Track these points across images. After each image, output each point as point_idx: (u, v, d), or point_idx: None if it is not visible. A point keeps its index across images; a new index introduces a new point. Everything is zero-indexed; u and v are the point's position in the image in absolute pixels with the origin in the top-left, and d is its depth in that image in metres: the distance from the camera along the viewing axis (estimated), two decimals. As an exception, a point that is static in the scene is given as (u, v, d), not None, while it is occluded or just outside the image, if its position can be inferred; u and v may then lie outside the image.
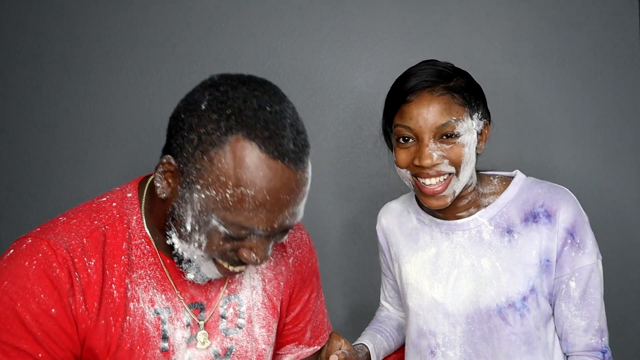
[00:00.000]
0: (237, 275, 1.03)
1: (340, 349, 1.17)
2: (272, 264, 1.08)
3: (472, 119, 1.12)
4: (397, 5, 1.86)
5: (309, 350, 1.17)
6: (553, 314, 1.17)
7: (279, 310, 1.09)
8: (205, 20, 1.91)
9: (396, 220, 1.30)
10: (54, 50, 1.93)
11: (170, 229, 0.91)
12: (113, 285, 0.91)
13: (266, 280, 1.07)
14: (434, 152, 1.10)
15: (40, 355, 0.86)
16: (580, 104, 1.80)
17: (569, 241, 1.12)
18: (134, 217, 0.95)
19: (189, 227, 0.88)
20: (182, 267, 0.94)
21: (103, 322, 0.90)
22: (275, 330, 1.08)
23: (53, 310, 0.86)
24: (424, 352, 1.22)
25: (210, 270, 0.93)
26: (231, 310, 1.03)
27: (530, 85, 1.79)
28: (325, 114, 1.89)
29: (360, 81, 1.88)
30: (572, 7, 1.81)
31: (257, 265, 0.90)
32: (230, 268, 0.92)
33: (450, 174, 1.12)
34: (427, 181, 1.12)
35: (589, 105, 1.80)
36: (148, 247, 0.95)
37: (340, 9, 1.88)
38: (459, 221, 1.19)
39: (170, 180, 0.89)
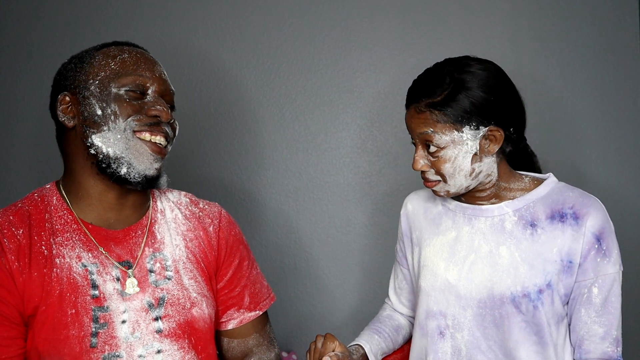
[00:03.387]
0: (158, 234, 1.17)
1: (333, 351, 1.19)
2: (191, 226, 1.22)
3: (460, 131, 1.13)
4: (397, 6, 1.86)
5: (251, 315, 1.26)
6: (569, 319, 1.18)
7: (203, 265, 1.20)
8: (205, 20, 1.91)
9: (422, 206, 1.33)
10: (55, 50, 1.93)
11: (89, 141, 1.09)
12: (43, 247, 1.08)
13: (187, 240, 1.20)
14: (421, 159, 1.18)
15: None
16: (581, 104, 1.81)
17: (596, 246, 1.13)
18: (54, 197, 1.14)
19: (99, 111, 1.09)
20: (112, 170, 1.09)
21: (35, 274, 1.05)
22: (203, 282, 1.19)
23: None
24: (433, 333, 1.22)
25: (139, 155, 1.09)
26: (158, 264, 1.15)
27: (530, 85, 1.79)
28: (325, 114, 1.89)
29: (360, 81, 1.88)
30: (573, 6, 1.81)
31: (167, 119, 1.12)
32: (152, 139, 1.10)
33: (439, 180, 1.18)
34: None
35: (589, 105, 1.80)
36: (70, 216, 1.12)
37: (340, 9, 1.88)
38: (483, 207, 1.22)
39: (70, 108, 1.11)
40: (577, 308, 1.15)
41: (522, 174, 1.24)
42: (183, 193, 1.28)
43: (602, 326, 1.14)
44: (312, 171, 1.89)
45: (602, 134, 1.80)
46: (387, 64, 1.87)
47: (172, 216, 1.22)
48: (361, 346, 1.29)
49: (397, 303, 1.42)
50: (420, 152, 1.18)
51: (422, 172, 1.20)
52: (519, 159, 1.27)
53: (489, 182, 1.20)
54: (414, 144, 1.21)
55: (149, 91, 1.13)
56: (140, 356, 1.09)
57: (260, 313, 1.28)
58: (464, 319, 1.19)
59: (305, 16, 1.89)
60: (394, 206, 1.88)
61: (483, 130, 1.14)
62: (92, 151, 1.09)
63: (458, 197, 1.26)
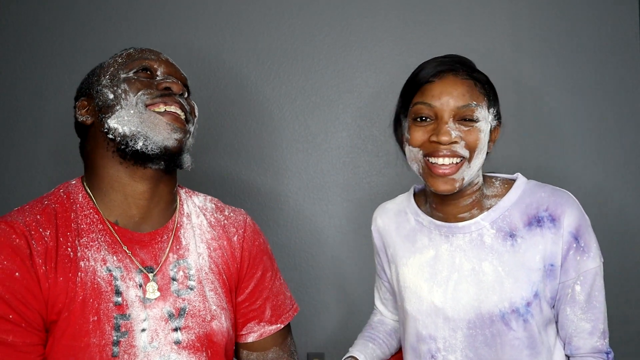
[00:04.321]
0: (183, 240, 1.14)
1: None
2: (215, 235, 1.19)
3: (489, 112, 1.14)
4: (397, 6, 1.86)
5: (271, 328, 1.22)
6: (556, 317, 1.17)
7: (225, 277, 1.17)
8: (205, 20, 1.91)
9: (393, 221, 1.29)
10: (54, 51, 1.93)
11: (106, 127, 1.08)
12: (69, 249, 1.05)
13: (211, 249, 1.18)
14: (452, 130, 1.10)
15: (10, 316, 0.97)
16: (579, 105, 1.81)
17: (574, 245, 1.12)
18: (80, 195, 1.11)
19: (111, 95, 1.08)
20: (130, 148, 1.06)
21: (61, 279, 1.02)
22: (223, 295, 1.16)
23: (17, 273, 0.98)
24: (425, 356, 1.20)
25: (154, 127, 1.06)
26: (181, 273, 1.12)
27: (530, 85, 1.79)
28: (325, 114, 1.89)
29: (360, 81, 1.88)
30: (573, 7, 1.81)
31: (179, 90, 1.11)
32: (167, 108, 1.08)
33: (463, 158, 1.11)
34: (440, 161, 1.11)
35: (587, 106, 1.80)
36: (96, 216, 1.09)
37: (340, 9, 1.88)
38: (459, 224, 1.18)
39: (87, 109, 1.12)
40: (563, 307, 1.15)
41: (492, 177, 1.22)
42: (209, 198, 1.25)
43: (589, 322, 1.14)
44: (312, 171, 1.89)
45: (602, 133, 1.80)
46: (387, 64, 1.87)
47: (198, 222, 1.19)
48: (355, 357, 1.27)
49: (385, 311, 1.41)
50: (451, 124, 1.10)
51: (448, 147, 1.10)
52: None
53: (476, 183, 1.17)
54: (427, 118, 1.12)
55: (158, 72, 1.14)
56: None
57: (282, 327, 1.24)
58: (455, 340, 1.17)
59: (305, 16, 1.89)
60: (394, 206, 1.88)
61: (495, 121, 1.17)
62: (111, 136, 1.07)
63: (431, 213, 1.22)
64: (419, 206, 1.26)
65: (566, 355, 1.18)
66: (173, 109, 1.09)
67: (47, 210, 1.07)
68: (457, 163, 1.11)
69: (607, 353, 1.15)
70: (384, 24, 1.87)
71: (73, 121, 1.16)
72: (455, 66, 1.14)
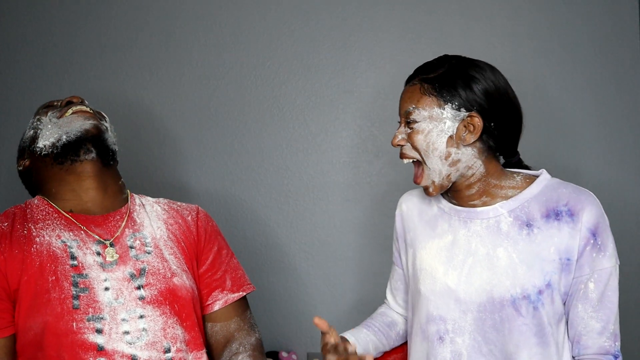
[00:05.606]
0: (137, 219, 1.28)
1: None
2: (170, 215, 1.33)
3: (441, 108, 1.17)
4: (396, 5, 1.86)
5: (234, 296, 1.33)
6: (567, 315, 1.18)
7: (184, 245, 1.30)
8: (205, 20, 1.91)
9: (417, 207, 1.34)
10: (54, 51, 1.93)
11: (38, 151, 1.26)
12: (25, 231, 1.19)
13: (168, 223, 1.31)
14: (400, 134, 1.23)
15: None
16: (580, 104, 1.81)
17: (591, 242, 1.13)
18: (35, 200, 1.27)
19: (32, 131, 1.28)
20: (58, 146, 1.23)
21: (16, 251, 1.16)
22: (183, 260, 1.28)
23: None
24: (432, 338, 1.22)
25: (70, 122, 1.25)
26: (138, 242, 1.25)
27: (530, 85, 1.79)
28: (325, 114, 1.89)
29: (360, 81, 1.88)
30: (573, 7, 1.81)
31: (79, 99, 1.30)
32: (71, 109, 1.27)
33: (417, 160, 1.21)
34: (406, 162, 1.24)
35: (587, 105, 1.81)
36: (50, 209, 1.24)
37: (340, 9, 1.88)
38: (478, 209, 1.21)
39: (24, 158, 1.31)
40: (574, 304, 1.16)
41: (514, 172, 1.24)
42: (161, 198, 1.39)
43: (599, 321, 1.14)
44: (312, 171, 1.89)
45: (602, 133, 1.80)
46: (387, 64, 1.87)
47: (152, 209, 1.33)
48: (345, 337, 1.28)
49: (393, 303, 1.42)
50: (401, 128, 1.23)
51: (400, 149, 1.23)
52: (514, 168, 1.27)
53: (472, 175, 1.19)
54: (400, 123, 1.25)
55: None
56: (123, 320, 1.15)
57: (243, 294, 1.34)
58: (464, 323, 1.18)
59: (305, 16, 1.89)
60: (394, 206, 1.87)
61: (464, 113, 1.16)
62: (45, 153, 1.24)
63: (451, 200, 1.26)
64: (442, 194, 1.30)
65: (573, 357, 1.18)
66: (78, 107, 1.27)
67: (7, 212, 1.25)
68: (420, 170, 1.22)
69: (616, 356, 1.15)
70: (384, 24, 1.87)
71: None
72: (413, 75, 1.24)
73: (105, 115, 1.33)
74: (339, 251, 1.89)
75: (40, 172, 1.28)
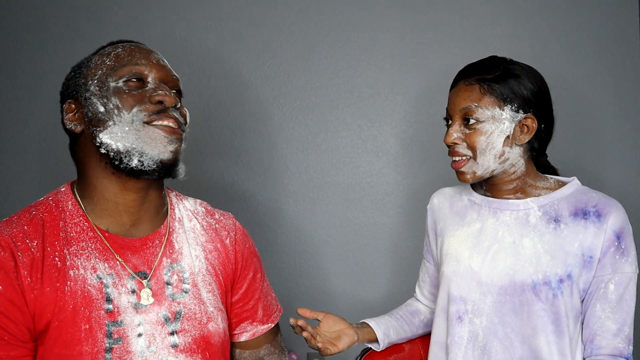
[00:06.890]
0: (176, 244, 1.15)
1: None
2: (209, 238, 1.21)
3: (501, 109, 1.20)
4: (396, 5, 1.86)
5: (263, 328, 1.26)
6: (583, 315, 1.20)
7: (221, 279, 1.19)
8: (205, 20, 1.91)
9: (448, 200, 1.38)
10: (55, 52, 1.93)
11: (98, 140, 1.06)
12: (56, 259, 1.04)
13: (207, 251, 1.19)
14: (455, 133, 1.23)
15: None
16: (579, 105, 1.81)
17: (616, 244, 1.17)
18: (69, 202, 1.10)
19: (101, 108, 1.06)
20: (125, 164, 1.05)
21: (48, 289, 1.01)
22: (219, 296, 1.18)
23: (0, 287, 0.98)
24: (452, 317, 1.26)
25: (151, 141, 1.05)
26: (175, 277, 1.13)
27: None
28: (325, 114, 1.89)
29: (360, 81, 1.88)
30: (573, 7, 1.81)
31: (172, 103, 1.07)
32: (161, 123, 1.06)
33: (468, 156, 1.22)
34: (452, 157, 1.26)
35: (586, 106, 1.81)
36: (86, 223, 1.08)
37: (340, 8, 1.88)
38: (509, 201, 1.26)
39: (76, 114, 1.09)
40: (593, 303, 1.18)
41: (547, 176, 1.29)
42: (198, 202, 1.26)
43: (616, 323, 1.17)
44: (312, 171, 1.89)
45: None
46: (387, 64, 1.87)
47: (191, 226, 1.20)
48: (367, 323, 1.36)
49: (419, 295, 1.48)
50: (456, 126, 1.23)
51: (452, 147, 1.23)
52: (543, 170, 1.31)
53: (514, 172, 1.24)
54: (447, 119, 1.26)
55: (149, 79, 1.09)
56: None
57: (272, 326, 1.28)
58: (483, 304, 1.22)
59: (305, 16, 1.89)
60: (394, 206, 1.88)
61: (521, 115, 1.21)
62: (103, 150, 1.05)
63: (485, 193, 1.30)
64: (474, 188, 1.36)
65: (584, 358, 1.20)
66: (166, 123, 1.07)
67: (34, 221, 1.06)
68: (463, 158, 1.23)
69: (627, 359, 1.17)
70: (384, 24, 1.87)
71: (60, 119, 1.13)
72: (467, 73, 1.24)
73: (188, 120, 1.15)
74: (338, 251, 1.89)
75: (88, 155, 1.09)
